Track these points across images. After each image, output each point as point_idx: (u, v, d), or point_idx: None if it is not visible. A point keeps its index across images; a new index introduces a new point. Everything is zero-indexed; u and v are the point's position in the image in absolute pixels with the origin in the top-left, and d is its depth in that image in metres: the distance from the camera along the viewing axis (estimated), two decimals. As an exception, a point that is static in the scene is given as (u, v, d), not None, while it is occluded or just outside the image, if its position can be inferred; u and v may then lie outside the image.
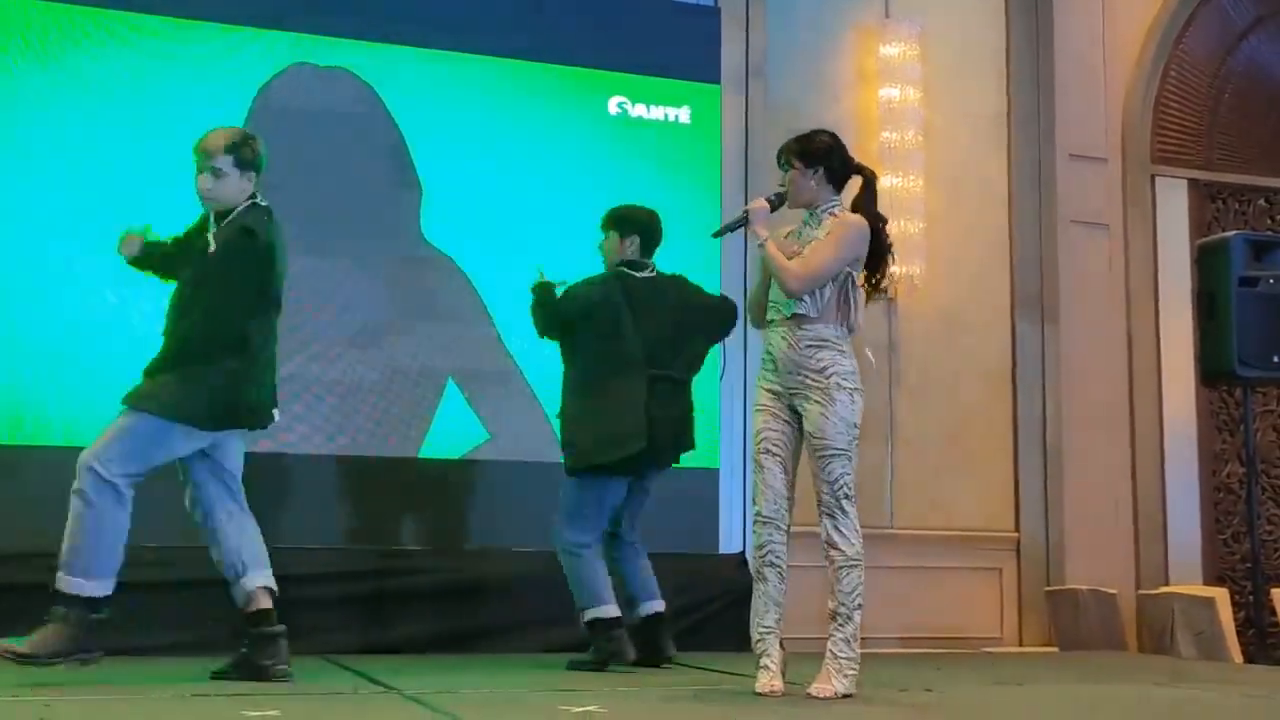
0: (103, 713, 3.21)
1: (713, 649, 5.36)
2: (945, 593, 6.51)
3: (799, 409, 3.82)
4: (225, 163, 4.03)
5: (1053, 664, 5.53)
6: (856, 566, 3.73)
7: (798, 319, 3.81)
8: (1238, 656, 5.75)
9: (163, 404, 3.86)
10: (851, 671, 3.70)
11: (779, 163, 4.00)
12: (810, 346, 3.80)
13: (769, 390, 3.88)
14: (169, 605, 5.00)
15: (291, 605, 5.12)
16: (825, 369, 3.78)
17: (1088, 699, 3.96)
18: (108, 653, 4.66)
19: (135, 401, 3.88)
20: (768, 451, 3.85)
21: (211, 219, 4.07)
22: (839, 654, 3.70)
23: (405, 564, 5.40)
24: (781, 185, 3.99)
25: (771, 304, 3.91)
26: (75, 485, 3.82)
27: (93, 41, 5.46)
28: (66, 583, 3.76)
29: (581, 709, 3.30)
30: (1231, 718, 3.61)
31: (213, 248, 3.98)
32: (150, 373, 3.92)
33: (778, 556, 3.82)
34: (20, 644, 3.69)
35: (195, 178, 4.04)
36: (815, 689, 3.67)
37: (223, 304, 3.92)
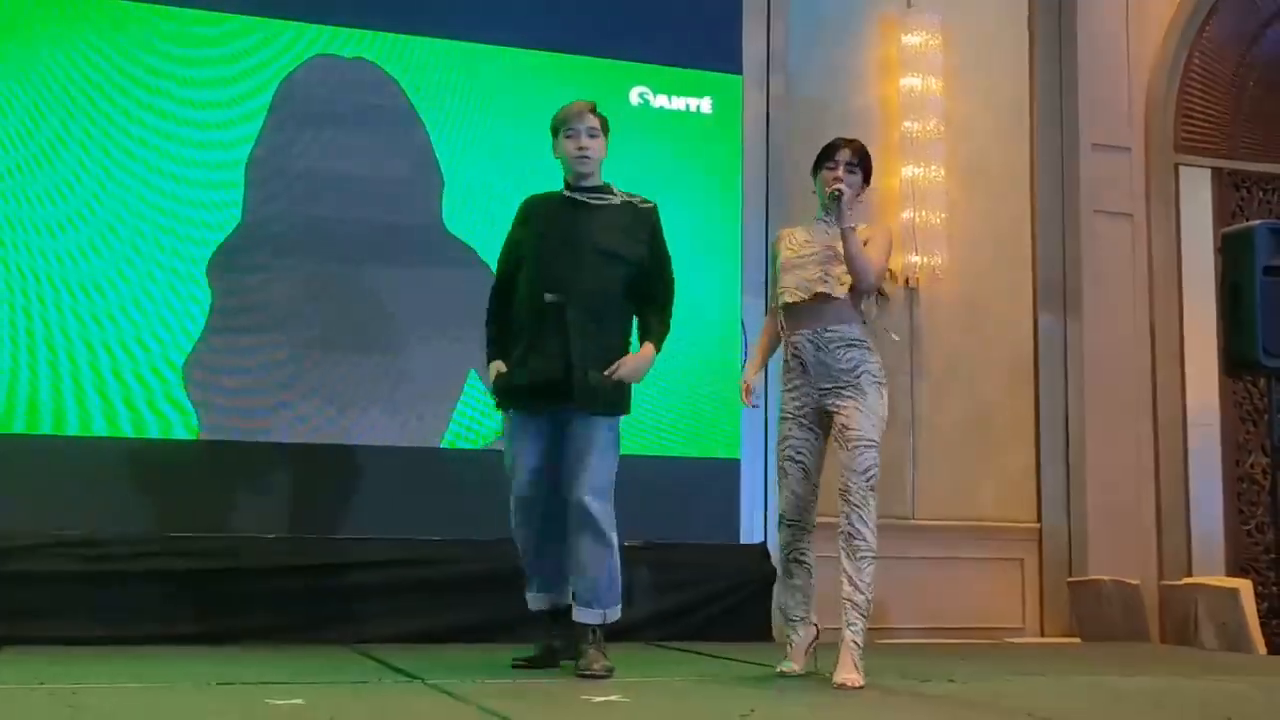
0: (129, 700, 3.23)
1: (734, 639, 5.37)
2: (967, 583, 6.50)
3: (830, 408, 3.90)
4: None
5: (1075, 655, 5.52)
6: (876, 558, 3.81)
7: (823, 324, 3.92)
8: (1261, 648, 5.72)
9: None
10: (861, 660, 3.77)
11: (851, 166, 4.05)
12: (839, 348, 3.90)
13: (795, 396, 3.98)
14: (192, 595, 5.03)
15: (316, 595, 5.19)
16: (856, 367, 3.89)
17: (1110, 690, 3.95)
18: (132, 642, 4.72)
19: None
20: (791, 459, 3.98)
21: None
22: (861, 643, 3.77)
23: (427, 554, 5.42)
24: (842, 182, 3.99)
25: (790, 310, 3.99)
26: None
27: (111, 33, 5.47)
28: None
29: (604, 698, 3.31)
30: (1255, 709, 3.59)
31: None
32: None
33: (804, 554, 4.00)
34: None
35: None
36: (846, 679, 3.71)
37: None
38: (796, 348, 3.98)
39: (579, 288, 4.03)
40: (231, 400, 5.44)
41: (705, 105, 6.23)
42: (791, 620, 4.04)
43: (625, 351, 4.07)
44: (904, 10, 6.79)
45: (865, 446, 3.82)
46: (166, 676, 3.66)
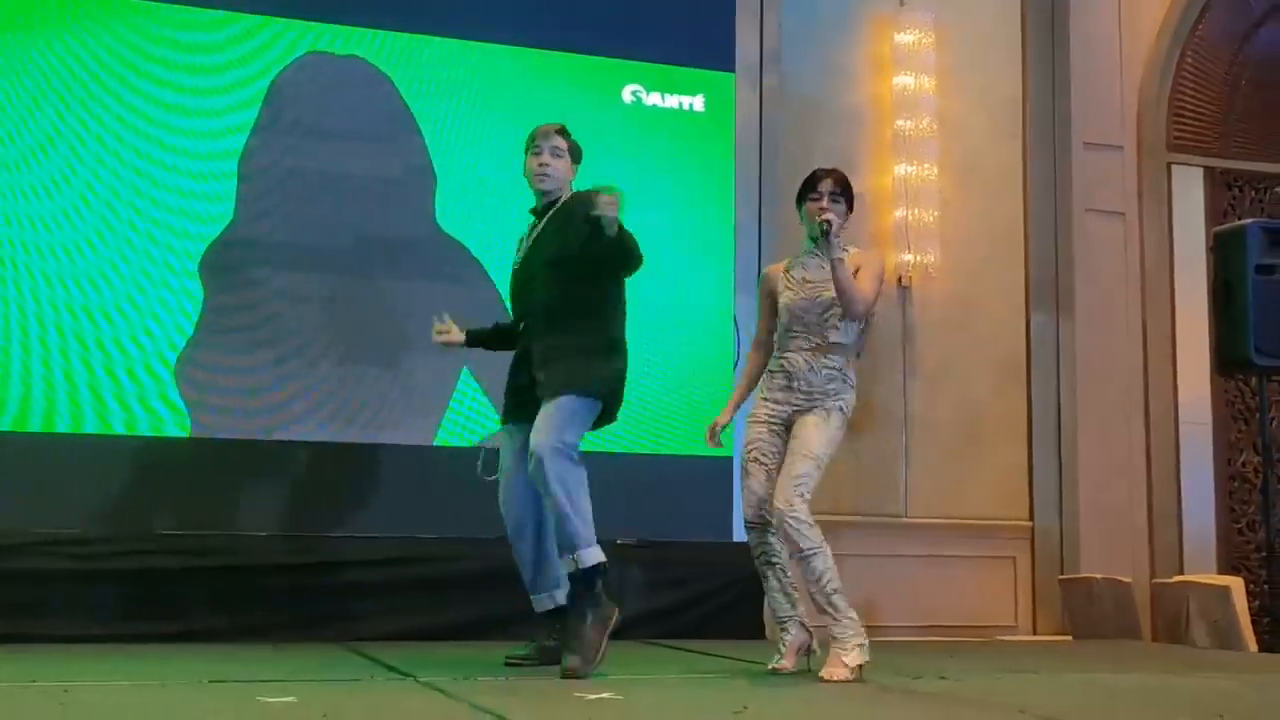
0: (120, 698, 3.22)
1: (727, 636, 5.38)
2: (959, 581, 6.51)
3: (795, 421, 4.03)
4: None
5: (1067, 652, 5.53)
6: (819, 551, 3.85)
7: (832, 346, 4.04)
8: (1253, 645, 5.73)
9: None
10: (860, 642, 3.81)
11: (835, 195, 4.11)
12: (827, 373, 4.04)
13: (772, 404, 4.09)
14: (190, 592, 5.03)
15: (309, 593, 5.19)
16: (834, 394, 4.04)
17: (1103, 687, 3.96)
18: (125, 640, 4.72)
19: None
20: (756, 460, 4.09)
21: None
22: (840, 635, 3.82)
23: (420, 552, 5.42)
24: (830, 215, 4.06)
25: (793, 330, 4.08)
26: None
27: (103, 28, 5.46)
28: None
29: (596, 696, 3.31)
30: (1247, 706, 3.60)
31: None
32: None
33: (774, 555, 4.08)
34: None
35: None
36: (826, 673, 3.76)
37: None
38: (789, 362, 4.07)
39: (534, 306, 4.18)
40: (224, 398, 5.44)
41: (698, 103, 6.23)
42: (780, 620, 4.11)
43: (592, 336, 4.07)
44: (897, 9, 6.79)
45: (806, 457, 3.91)
46: (158, 674, 3.66)
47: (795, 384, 4.04)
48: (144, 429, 5.29)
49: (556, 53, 6.04)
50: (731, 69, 6.32)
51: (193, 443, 5.37)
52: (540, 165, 4.20)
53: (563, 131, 4.25)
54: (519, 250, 4.34)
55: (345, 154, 5.70)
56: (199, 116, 5.54)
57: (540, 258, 4.17)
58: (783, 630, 4.10)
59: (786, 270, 4.20)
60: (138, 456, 5.28)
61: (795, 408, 4.04)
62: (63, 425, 5.21)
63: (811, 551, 3.83)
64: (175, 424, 5.35)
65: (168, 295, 5.40)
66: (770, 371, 4.14)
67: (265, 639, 4.90)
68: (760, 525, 4.07)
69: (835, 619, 3.81)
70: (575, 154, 4.28)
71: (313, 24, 5.72)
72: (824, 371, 4.03)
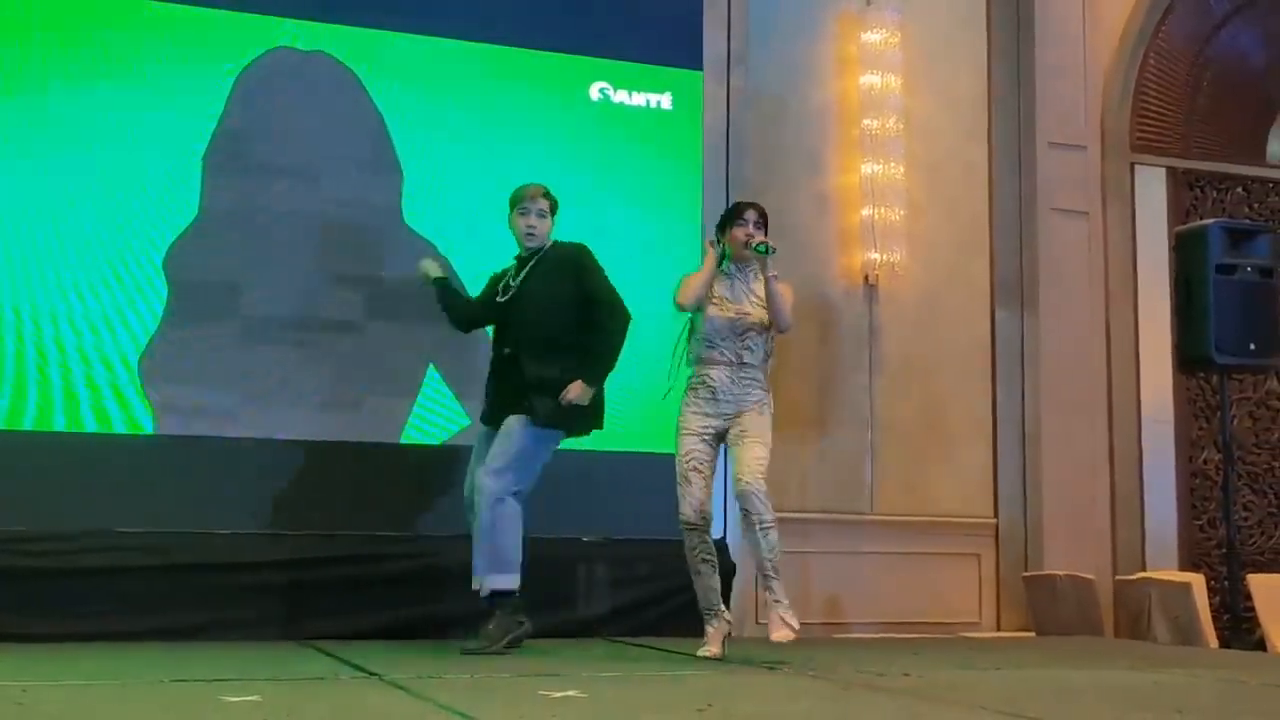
0: (80, 698, 3.20)
1: (691, 634, 5.37)
2: (924, 578, 6.54)
3: (733, 425, 4.49)
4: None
5: (1030, 649, 5.56)
6: (775, 525, 4.40)
7: (745, 365, 4.54)
8: (1213, 641, 5.79)
9: None
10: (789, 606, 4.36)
11: (759, 223, 4.60)
12: (748, 383, 4.55)
13: (702, 417, 4.53)
14: (150, 590, 5.00)
15: (272, 591, 5.17)
16: (759, 400, 4.56)
17: (1065, 683, 3.99)
18: (85, 639, 4.69)
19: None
20: (695, 469, 4.52)
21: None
22: (781, 599, 4.35)
23: (386, 550, 5.40)
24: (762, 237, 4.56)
25: (714, 344, 4.54)
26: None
27: (66, 22, 5.41)
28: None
29: (561, 694, 3.31)
30: (1207, 702, 3.64)
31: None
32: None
33: (709, 552, 4.56)
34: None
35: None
36: (778, 636, 4.24)
37: None
38: (711, 379, 4.54)
39: (525, 338, 4.77)
40: (186, 395, 5.39)
41: (665, 101, 6.23)
42: (709, 610, 4.58)
43: (569, 373, 4.76)
44: (863, 8, 6.81)
45: (761, 443, 4.45)
46: (119, 673, 3.63)
47: (719, 397, 4.52)
48: (109, 426, 5.24)
49: (524, 50, 6.03)
50: (699, 67, 6.33)
51: (154, 440, 5.33)
52: (529, 226, 4.80)
53: (546, 193, 4.83)
54: (502, 284, 4.90)
55: (311, 151, 5.67)
56: (162, 111, 5.49)
57: (533, 301, 4.75)
58: (712, 619, 4.57)
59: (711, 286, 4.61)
60: (97, 453, 5.23)
61: (725, 418, 4.51)
62: (22, 423, 5.15)
63: (772, 523, 4.37)
64: (137, 421, 5.30)
65: (131, 291, 5.35)
66: (693, 387, 4.56)
67: (226, 637, 4.87)
68: (700, 526, 4.50)
69: (777, 586, 4.36)
70: (554, 209, 4.85)
71: (278, 19, 5.69)
72: (743, 383, 4.53)
